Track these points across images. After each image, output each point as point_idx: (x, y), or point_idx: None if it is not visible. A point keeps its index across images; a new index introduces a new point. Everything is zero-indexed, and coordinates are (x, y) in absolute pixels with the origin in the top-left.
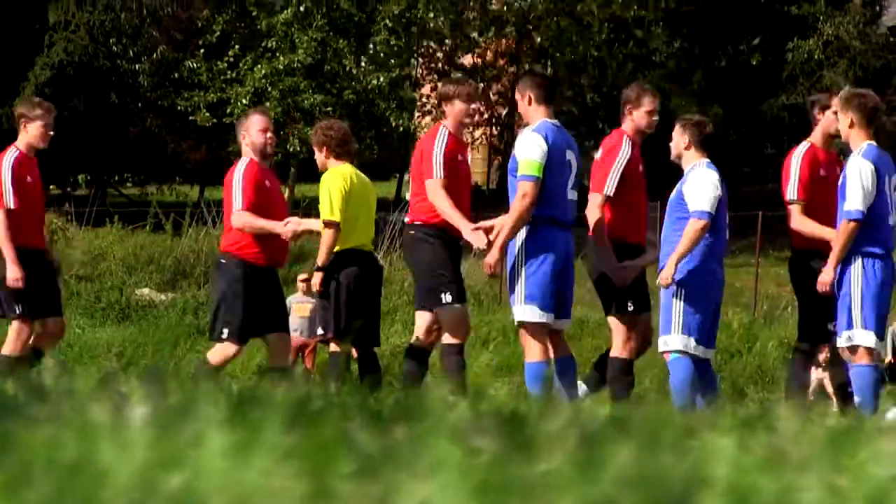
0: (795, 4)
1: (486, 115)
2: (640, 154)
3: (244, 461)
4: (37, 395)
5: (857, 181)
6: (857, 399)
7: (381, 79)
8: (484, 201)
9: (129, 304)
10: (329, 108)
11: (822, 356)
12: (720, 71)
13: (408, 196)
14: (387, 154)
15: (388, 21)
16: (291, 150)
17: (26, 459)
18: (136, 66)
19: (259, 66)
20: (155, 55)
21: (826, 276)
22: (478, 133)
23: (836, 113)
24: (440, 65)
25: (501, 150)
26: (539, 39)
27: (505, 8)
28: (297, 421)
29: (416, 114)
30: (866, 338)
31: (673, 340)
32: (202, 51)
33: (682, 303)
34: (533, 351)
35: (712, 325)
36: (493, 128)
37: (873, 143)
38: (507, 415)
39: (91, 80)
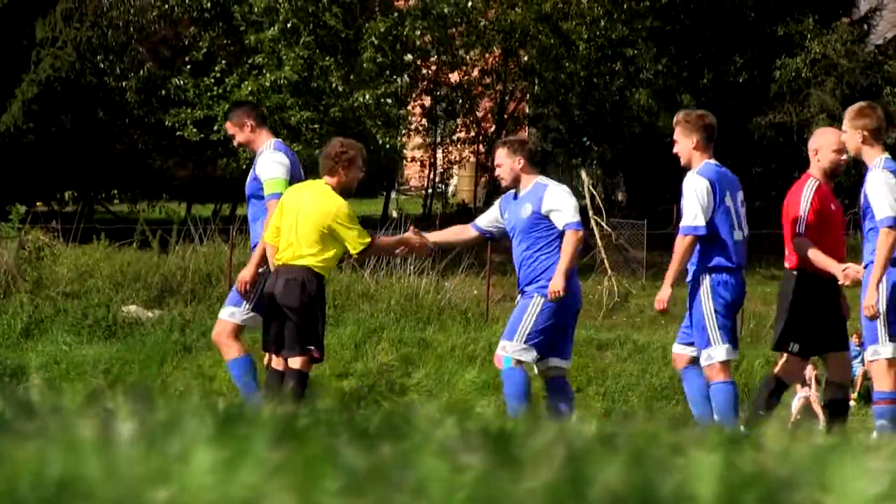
0: (783, 23)
1: (472, 133)
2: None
3: (231, 477)
4: (23, 411)
5: (694, 197)
6: (716, 417)
7: (368, 96)
8: (471, 219)
9: (116, 322)
10: (315, 126)
11: (809, 374)
12: (707, 89)
13: (394, 214)
14: (374, 172)
15: (374, 38)
16: None
17: (12, 475)
18: (123, 83)
19: (246, 82)
20: (142, 72)
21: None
22: (465, 152)
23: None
24: (427, 82)
25: (489, 168)
26: (525, 57)
27: (491, 25)
28: (284, 437)
29: (403, 131)
30: (722, 352)
31: (511, 346)
32: (189, 67)
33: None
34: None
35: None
36: (481, 146)
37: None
38: (494, 432)
39: (78, 97)
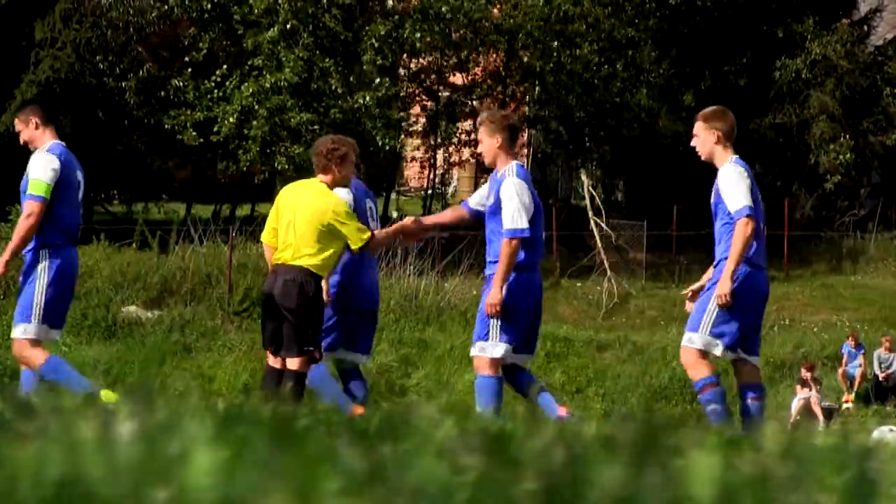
0: (783, 24)
1: (472, 136)
2: None
3: (231, 477)
4: (23, 411)
5: (516, 198)
6: (478, 409)
7: (368, 98)
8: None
9: (116, 322)
10: (315, 127)
11: (806, 375)
12: (707, 90)
13: (394, 214)
14: (374, 172)
15: (374, 41)
16: (279, 167)
17: (12, 476)
18: (123, 84)
19: (246, 84)
20: (141, 73)
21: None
22: (466, 153)
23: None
24: (429, 84)
25: (489, 169)
26: (527, 59)
27: (493, 27)
28: (284, 438)
29: (402, 134)
30: (499, 350)
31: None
32: (189, 70)
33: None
34: None
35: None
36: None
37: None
38: (494, 433)
39: (77, 98)
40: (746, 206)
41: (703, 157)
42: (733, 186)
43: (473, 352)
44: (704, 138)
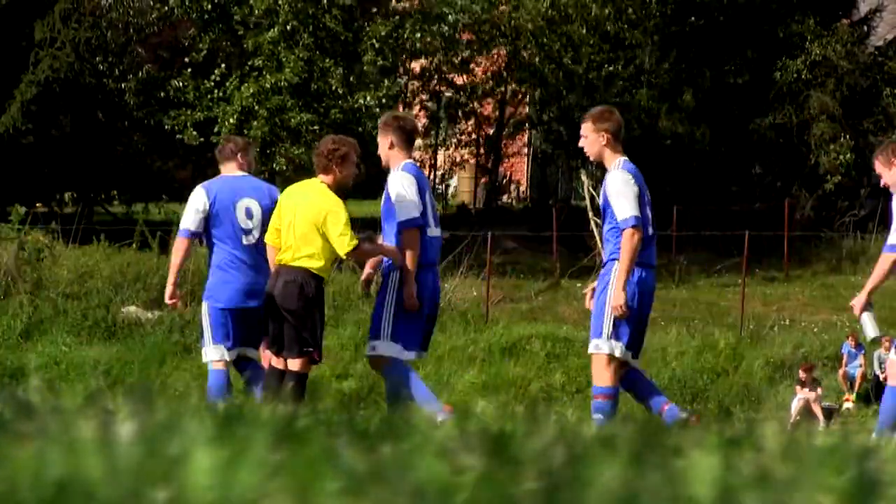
0: (783, 24)
1: (473, 136)
2: None
3: (231, 478)
4: (23, 411)
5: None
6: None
7: (368, 98)
8: (470, 221)
9: (116, 322)
10: (315, 127)
11: (805, 376)
12: (708, 90)
13: None
14: (374, 173)
15: (374, 41)
16: (278, 168)
17: (12, 476)
18: (122, 84)
19: (246, 84)
20: (141, 73)
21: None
22: (465, 153)
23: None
24: (431, 85)
25: (489, 169)
26: (527, 56)
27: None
28: (284, 438)
29: None
30: (389, 348)
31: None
32: (189, 70)
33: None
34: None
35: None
36: (481, 147)
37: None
38: (494, 433)
39: (77, 98)
40: (633, 217)
41: (591, 158)
42: (620, 195)
43: (368, 352)
44: (593, 139)
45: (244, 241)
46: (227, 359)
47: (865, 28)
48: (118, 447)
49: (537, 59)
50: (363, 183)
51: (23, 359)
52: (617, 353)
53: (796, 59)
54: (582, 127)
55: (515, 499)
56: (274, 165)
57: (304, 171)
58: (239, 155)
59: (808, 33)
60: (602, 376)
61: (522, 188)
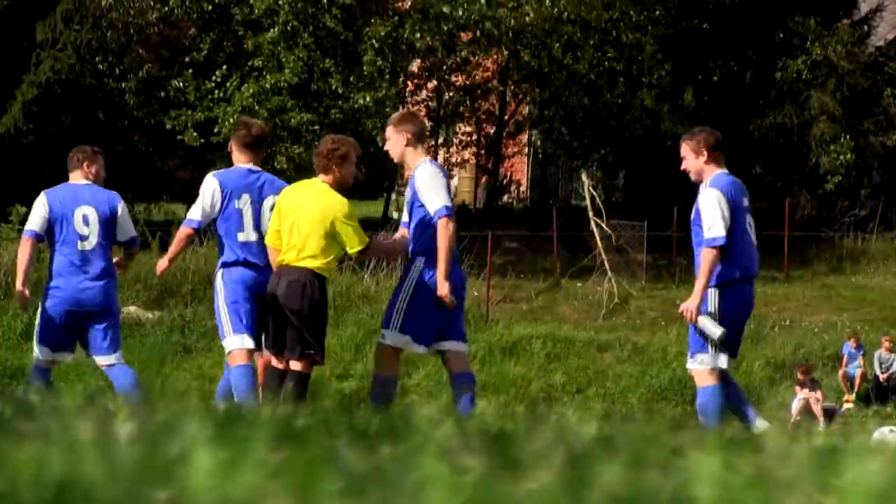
0: (784, 25)
1: (474, 136)
2: None
3: (231, 478)
4: (23, 412)
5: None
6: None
7: (368, 98)
8: (470, 221)
9: None
10: (315, 127)
11: (804, 377)
12: (709, 90)
13: (394, 215)
14: (374, 173)
15: (374, 41)
16: (278, 167)
17: (13, 476)
18: (123, 85)
19: (246, 85)
20: (141, 73)
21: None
22: (466, 153)
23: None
24: (431, 85)
25: (489, 169)
26: (528, 59)
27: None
28: (284, 438)
29: None
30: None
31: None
32: (190, 71)
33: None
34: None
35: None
36: (482, 147)
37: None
38: (494, 433)
39: (78, 99)
40: (444, 206)
41: (395, 160)
42: (429, 188)
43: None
44: (395, 141)
45: (79, 247)
46: (56, 359)
47: (866, 28)
48: (118, 447)
49: (536, 63)
50: (363, 184)
51: (23, 359)
52: (416, 350)
53: (797, 59)
54: (387, 130)
55: (516, 499)
56: (275, 164)
57: (304, 170)
58: (85, 164)
59: (809, 33)
60: (381, 364)
61: (523, 188)
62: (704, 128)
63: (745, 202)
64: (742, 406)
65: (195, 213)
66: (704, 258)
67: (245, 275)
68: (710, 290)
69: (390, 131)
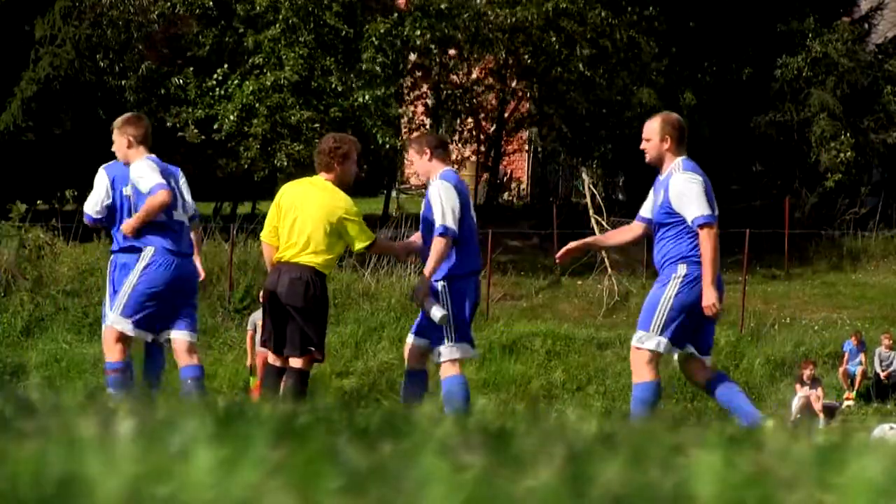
0: (784, 22)
1: (473, 133)
2: None
3: (231, 475)
4: (24, 409)
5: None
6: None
7: (368, 96)
8: None
9: None
10: (316, 125)
11: (807, 373)
12: (708, 88)
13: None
14: (374, 171)
15: (374, 39)
16: (279, 164)
17: (13, 474)
18: (123, 82)
19: (247, 82)
20: (140, 70)
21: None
22: (467, 151)
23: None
24: (429, 81)
25: (490, 167)
26: (526, 56)
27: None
28: (284, 436)
29: (403, 130)
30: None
31: None
32: (191, 68)
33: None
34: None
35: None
36: (482, 145)
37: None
38: (495, 430)
39: (78, 96)
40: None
41: (121, 160)
42: (143, 177)
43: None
44: (119, 143)
45: None
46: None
47: (866, 26)
48: (118, 445)
49: (532, 61)
50: (362, 182)
51: (23, 356)
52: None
53: (797, 57)
54: (113, 133)
55: (516, 497)
56: (276, 163)
57: (305, 168)
58: None
59: (809, 31)
60: (108, 351)
61: (523, 186)
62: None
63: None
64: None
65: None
66: None
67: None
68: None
69: (114, 134)
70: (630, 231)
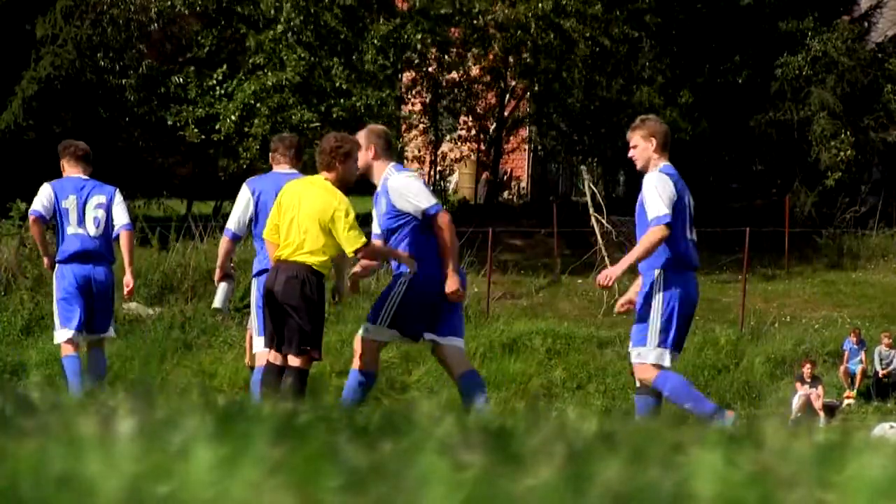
0: (784, 20)
1: (473, 132)
2: None
3: (231, 474)
4: (24, 408)
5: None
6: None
7: (369, 97)
8: (471, 217)
9: (117, 319)
10: (316, 125)
11: (807, 372)
12: (708, 87)
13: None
14: None
15: (375, 41)
16: None
17: (14, 472)
18: (124, 81)
19: (248, 82)
20: (141, 69)
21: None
22: (465, 149)
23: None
24: (428, 79)
25: (489, 165)
26: (525, 55)
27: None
28: (284, 434)
29: (403, 129)
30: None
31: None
32: (192, 68)
33: None
34: None
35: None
36: (482, 143)
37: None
38: (495, 429)
39: (78, 95)
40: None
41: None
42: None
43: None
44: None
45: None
46: None
47: (866, 24)
48: (119, 443)
49: (530, 58)
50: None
51: (23, 355)
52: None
53: (797, 56)
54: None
55: (516, 495)
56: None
57: (305, 167)
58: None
59: (809, 29)
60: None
61: (523, 184)
62: None
63: None
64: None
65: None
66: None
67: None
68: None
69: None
70: None
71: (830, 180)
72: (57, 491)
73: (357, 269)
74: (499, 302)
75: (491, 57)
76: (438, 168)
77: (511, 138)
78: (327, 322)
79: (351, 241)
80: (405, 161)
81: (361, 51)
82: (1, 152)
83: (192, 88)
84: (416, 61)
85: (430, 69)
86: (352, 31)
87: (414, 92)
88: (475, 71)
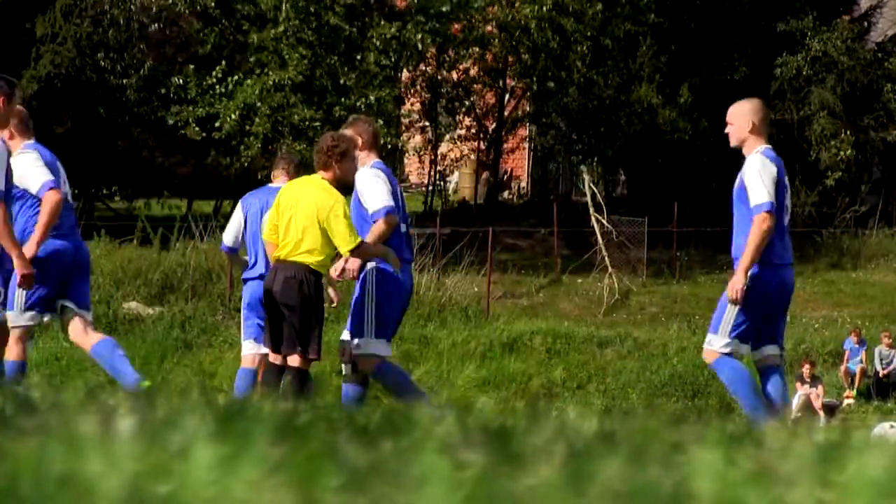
0: (783, 20)
1: (473, 131)
2: None
3: (231, 473)
4: (24, 407)
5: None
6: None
7: (371, 96)
8: (471, 217)
9: (117, 318)
10: (317, 124)
11: (807, 372)
12: (707, 86)
13: None
14: None
15: (377, 41)
16: None
17: (13, 471)
18: (124, 81)
19: (249, 81)
20: (142, 70)
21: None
22: (465, 148)
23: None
24: (427, 79)
25: (489, 165)
26: (525, 55)
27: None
28: (284, 434)
29: (402, 128)
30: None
31: None
32: (192, 66)
33: None
34: None
35: None
36: (482, 143)
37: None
38: (495, 428)
39: (78, 94)
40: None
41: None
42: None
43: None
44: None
45: None
46: None
47: (866, 24)
48: (119, 443)
49: (530, 57)
50: None
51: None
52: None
53: (796, 55)
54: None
55: (517, 495)
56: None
57: (305, 167)
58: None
59: (809, 29)
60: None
61: (523, 184)
62: None
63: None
64: None
65: None
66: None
67: None
68: None
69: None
70: None
71: (830, 180)
72: (57, 490)
73: (332, 273)
74: (499, 302)
75: (490, 57)
76: (438, 168)
77: (511, 138)
78: (327, 322)
79: (346, 241)
80: (405, 160)
81: (364, 50)
82: None
83: (192, 88)
84: (416, 61)
85: (428, 69)
86: (353, 28)
87: (413, 91)
88: (474, 71)
